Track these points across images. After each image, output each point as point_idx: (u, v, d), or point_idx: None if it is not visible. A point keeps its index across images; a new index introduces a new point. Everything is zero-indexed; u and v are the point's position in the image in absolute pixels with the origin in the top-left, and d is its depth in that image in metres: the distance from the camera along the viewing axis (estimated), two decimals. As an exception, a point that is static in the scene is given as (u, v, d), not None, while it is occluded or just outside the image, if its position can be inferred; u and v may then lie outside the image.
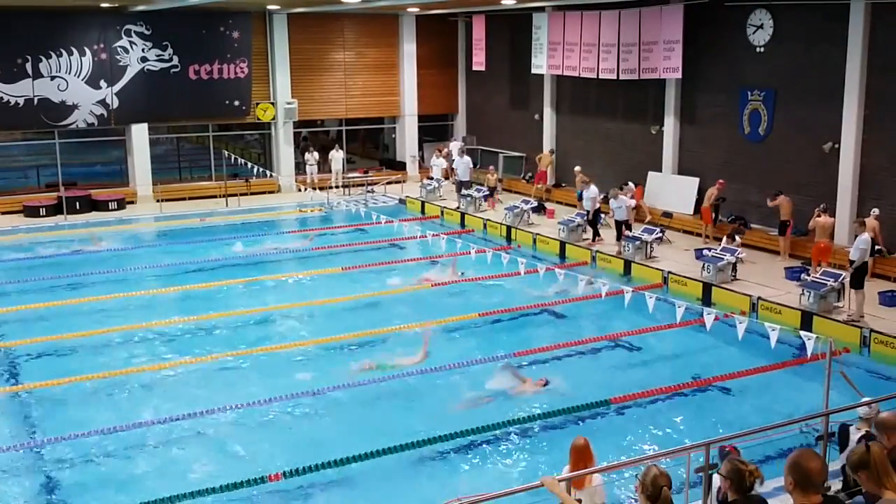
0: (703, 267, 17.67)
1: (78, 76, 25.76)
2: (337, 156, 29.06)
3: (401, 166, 31.00)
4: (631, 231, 19.99)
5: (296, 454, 10.67)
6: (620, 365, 13.94)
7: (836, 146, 18.76)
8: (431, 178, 27.50)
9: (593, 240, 20.85)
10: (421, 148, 31.66)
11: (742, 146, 21.02)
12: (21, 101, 25.18)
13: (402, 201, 27.23)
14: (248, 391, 12.71)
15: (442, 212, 25.41)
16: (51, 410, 12.27)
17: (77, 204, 25.51)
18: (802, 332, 12.01)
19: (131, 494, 9.84)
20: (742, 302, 16.22)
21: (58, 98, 25.60)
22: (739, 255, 17.82)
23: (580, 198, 23.38)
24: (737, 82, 20.90)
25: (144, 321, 15.93)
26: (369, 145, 33.90)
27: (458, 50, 31.56)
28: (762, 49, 20.24)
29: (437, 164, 27.89)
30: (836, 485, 8.41)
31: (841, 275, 15.64)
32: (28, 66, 25.12)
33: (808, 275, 16.44)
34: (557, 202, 25.36)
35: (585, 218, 21.15)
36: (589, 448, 7.68)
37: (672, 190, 22.49)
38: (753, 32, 20.35)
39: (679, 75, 21.80)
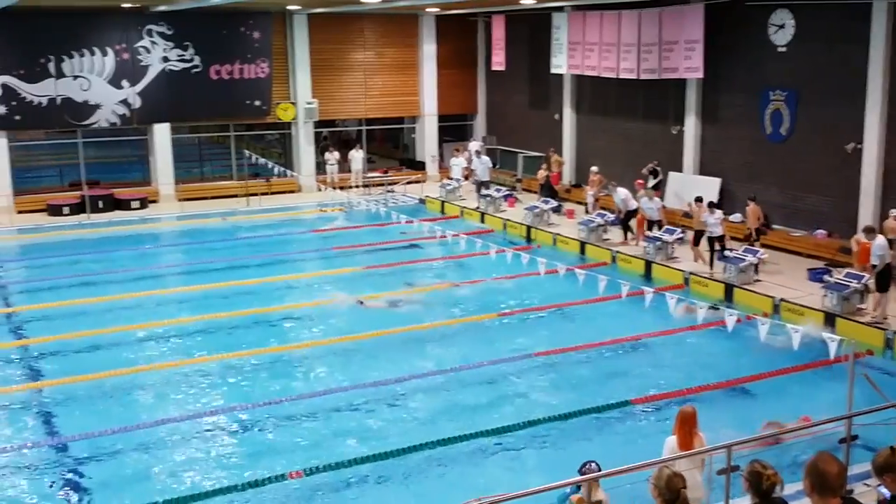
0: (725, 268, 17.59)
1: (100, 76, 25.97)
2: (357, 155, 29.15)
3: (420, 166, 31.05)
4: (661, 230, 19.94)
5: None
6: (641, 365, 13.91)
7: (859, 146, 18.61)
8: (451, 178, 27.52)
9: (625, 239, 20.77)
10: (441, 148, 31.69)
11: (764, 146, 20.89)
12: (44, 100, 25.43)
13: (421, 201, 27.28)
14: (266, 389, 12.84)
15: (461, 211, 25.44)
16: (72, 407, 12.38)
17: (100, 203, 25.73)
18: (825, 334, 11.94)
19: (154, 491, 9.93)
20: (764, 303, 16.14)
21: (80, 98, 25.83)
22: (761, 256, 17.75)
23: (593, 199, 23.55)
24: (758, 82, 20.77)
25: (167, 318, 16.08)
26: (389, 145, 33.98)
27: (477, 50, 31.56)
28: (784, 49, 20.11)
29: (457, 163, 27.93)
30: (859, 488, 8.37)
31: (864, 276, 15.52)
32: (51, 65, 25.36)
33: (832, 276, 16.32)
34: (577, 202, 25.30)
35: (617, 218, 21.06)
36: (695, 417, 8.34)
37: (693, 190, 22.34)
38: (775, 32, 20.22)
39: (700, 75, 21.70)
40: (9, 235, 23.34)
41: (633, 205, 20.68)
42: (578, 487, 7.60)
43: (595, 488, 7.46)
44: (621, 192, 20.81)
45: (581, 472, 7.66)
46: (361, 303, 16.72)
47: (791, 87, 20.00)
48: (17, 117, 25.19)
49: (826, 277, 16.34)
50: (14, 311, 16.86)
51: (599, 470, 7.54)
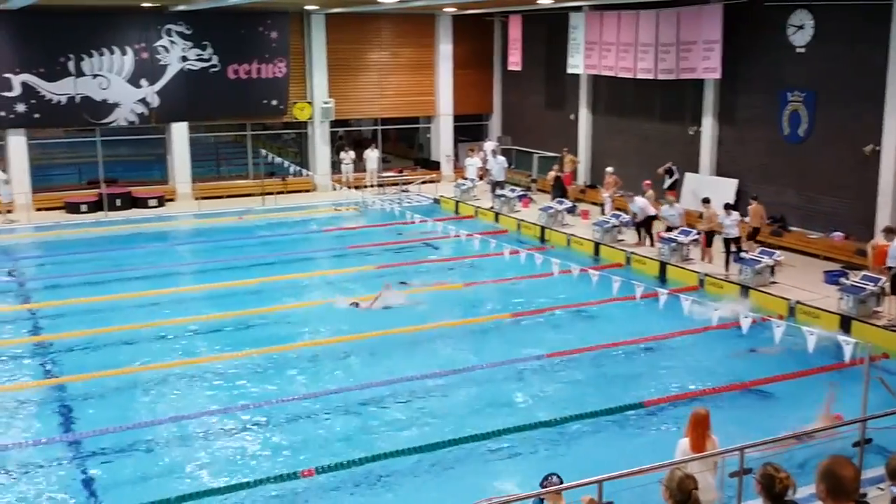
0: (740, 270, 17.50)
1: (119, 75, 26.15)
2: (372, 155, 29.21)
3: (435, 166, 31.07)
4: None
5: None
6: (654, 367, 13.86)
7: (877, 148, 18.47)
8: (466, 178, 27.54)
9: (640, 240, 20.69)
10: (455, 147, 31.68)
11: (781, 147, 20.77)
12: (64, 99, 25.62)
13: (436, 201, 27.30)
14: (278, 387, 12.91)
15: (476, 211, 25.44)
16: (87, 403, 12.47)
17: (117, 201, 25.90)
18: (840, 337, 11.86)
19: (168, 488, 9.99)
20: (780, 305, 16.04)
21: (99, 96, 26.01)
22: (777, 258, 17.65)
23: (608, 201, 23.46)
24: (776, 83, 20.65)
25: (183, 316, 16.15)
26: (404, 145, 34.02)
27: (493, 50, 31.54)
28: (803, 50, 19.98)
29: (472, 163, 27.93)
30: (873, 492, 8.31)
31: (880, 279, 15.41)
32: (71, 64, 25.55)
33: (848, 279, 16.20)
34: (592, 203, 25.25)
35: (633, 223, 20.97)
36: (708, 419, 8.28)
37: (710, 191, 22.22)
38: (794, 33, 20.09)
39: (718, 75, 21.59)
40: (27, 233, 23.53)
41: (652, 211, 20.57)
42: (541, 500, 7.55)
43: (558, 501, 7.45)
44: (639, 202, 20.65)
45: (542, 485, 7.57)
46: (357, 304, 16.68)
47: (809, 89, 19.87)
48: (37, 115, 25.41)
49: (842, 280, 16.22)
50: (31, 307, 17.01)
51: (561, 482, 7.49)
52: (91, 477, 10.44)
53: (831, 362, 12.88)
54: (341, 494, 9.97)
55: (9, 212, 24.42)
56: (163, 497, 9.59)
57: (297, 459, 10.69)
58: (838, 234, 19.27)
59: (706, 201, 19.30)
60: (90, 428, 11.49)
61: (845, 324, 14.86)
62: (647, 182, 21.84)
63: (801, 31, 19.95)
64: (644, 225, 20.66)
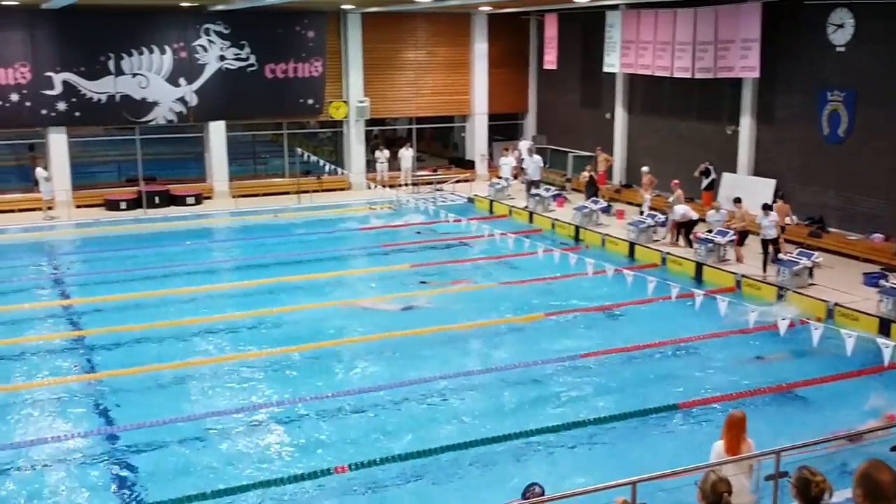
0: (779, 271, 17.30)
1: (159, 74, 26.47)
2: (406, 154, 29.29)
3: (470, 165, 31.07)
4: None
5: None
6: (690, 368, 13.75)
7: (920, 149, 18.19)
8: (500, 177, 27.51)
9: (675, 240, 20.54)
10: (490, 147, 31.65)
11: (820, 147, 20.49)
12: (104, 97, 25.99)
13: (470, 200, 27.31)
14: (312, 384, 12.99)
15: (510, 211, 25.41)
16: (124, 398, 12.64)
17: (156, 198, 26.23)
18: (879, 339, 11.68)
19: (202, 483, 10.10)
20: (818, 307, 15.84)
21: (139, 95, 26.35)
22: (816, 260, 17.42)
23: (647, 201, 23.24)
24: (816, 82, 20.38)
25: (219, 313, 16.33)
26: (438, 144, 34.06)
27: (529, 49, 31.47)
28: (842, 49, 19.69)
29: (506, 162, 27.90)
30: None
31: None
32: (111, 63, 25.91)
33: (887, 281, 15.95)
34: (627, 203, 25.10)
35: (671, 223, 20.79)
36: (744, 422, 8.13)
37: (747, 191, 21.99)
38: (833, 32, 19.81)
39: (756, 74, 21.35)
40: (67, 229, 23.93)
41: (695, 216, 20.37)
42: None
43: None
44: (679, 209, 20.41)
45: (524, 495, 7.51)
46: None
47: (849, 88, 19.58)
48: (77, 114, 25.80)
49: (882, 282, 15.97)
50: (71, 303, 17.30)
51: (543, 492, 7.42)
52: (125, 471, 10.59)
53: (870, 365, 12.70)
54: (373, 491, 10.02)
55: (50, 209, 24.84)
56: (199, 491, 9.71)
57: (330, 456, 10.76)
58: (878, 236, 18.98)
59: (738, 201, 19.13)
60: (126, 422, 11.65)
61: (884, 326, 14.63)
62: (676, 181, 21.60)
63: (841, 29, 19.67)
64: (685, 227, 20.46)
